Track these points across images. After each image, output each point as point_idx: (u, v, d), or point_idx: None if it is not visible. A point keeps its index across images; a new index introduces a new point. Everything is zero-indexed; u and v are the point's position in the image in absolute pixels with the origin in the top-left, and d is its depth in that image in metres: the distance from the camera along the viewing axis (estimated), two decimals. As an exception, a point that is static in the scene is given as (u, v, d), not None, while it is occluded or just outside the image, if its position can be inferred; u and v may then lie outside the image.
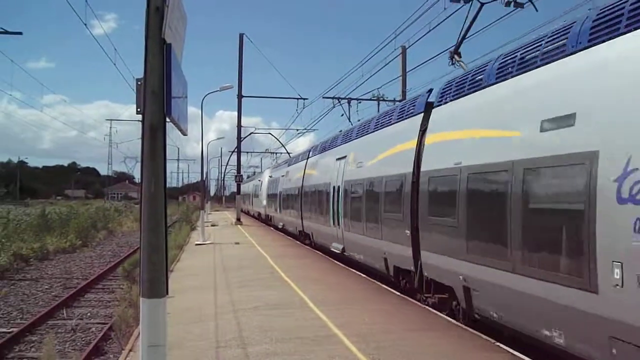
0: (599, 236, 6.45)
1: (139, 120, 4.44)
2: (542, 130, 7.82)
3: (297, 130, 61.11)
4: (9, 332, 12.11)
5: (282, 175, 36.14)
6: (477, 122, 10.17)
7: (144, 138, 4.34)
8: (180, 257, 21.40)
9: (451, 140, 11.14)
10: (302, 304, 11.85)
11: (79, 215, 39.42)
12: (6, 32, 22.24)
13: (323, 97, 44.38)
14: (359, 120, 20.60)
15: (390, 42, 35.57)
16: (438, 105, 12.25)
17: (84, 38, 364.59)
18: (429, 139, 12.08)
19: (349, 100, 43.52)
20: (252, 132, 66.45)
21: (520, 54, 9.19)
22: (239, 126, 48.06)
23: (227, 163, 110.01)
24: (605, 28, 7.17)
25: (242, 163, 53.31)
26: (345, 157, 19.62)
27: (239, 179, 50.90)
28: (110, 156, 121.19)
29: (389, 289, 13.95)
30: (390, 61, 37.79)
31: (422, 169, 11.99)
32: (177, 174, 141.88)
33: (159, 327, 4.42)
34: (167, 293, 4.47)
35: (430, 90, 13.32)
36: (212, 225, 39.85)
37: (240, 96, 45.92)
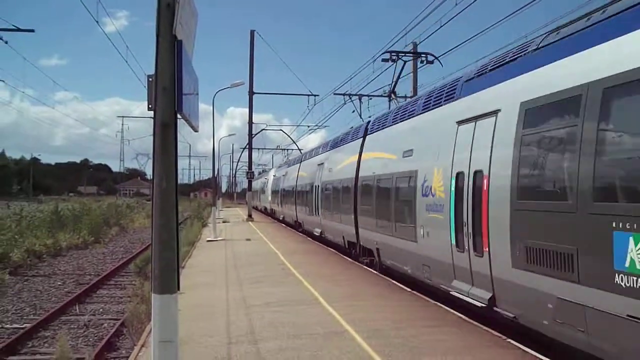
0: (416, 213, 12.33)
1: (150, 117, 4.45)
2: (403, 157, 13.83)
3: (309, 126, 61.17)
4: (22, 328, 12.19)
5: (283, 175, 42.70)
6: (380, 148, 16.92)
7: (156, 134, 4.36)
8: (191, 253, 21.46)
9: (371, 157, 17.52)
10: (314, 300, 11.87)
11: (91, 212, 39.59)
12: (18, 30, 22.40)
13: (334, 94, 44.32)
14: (351, 127, 23.89)
15: (401, 38, 35.61)
16: (369, 134, 18.71)
17: (96, 35, 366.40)
18: (363, 155, 18.55)
19: (360, 96, 43.48)
20: (263, 129, 66.63)
21: (395, 112, 16.36)
22: (250, 123, 48.14)
23: (239, 159, 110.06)
24: (427, 105, 13.11)
25: (253, 160, 53.44)
26: (323, 163, 25.77)
27: (250, 176, 51.01)
28: (122, 153, 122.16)
29: (401, 286, 13.93)
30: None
31: (359, 175, 18.44)
32: (188, 170, 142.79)
33: (170, 322, 4.45)
34: (178, 289, 4.49)
35: (368, 122, 19.77)
36: (223, 222, 39.94)
37: (251, 93, 45.99)
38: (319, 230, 25.83)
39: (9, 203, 52.44)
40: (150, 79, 4.37)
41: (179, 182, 4.61)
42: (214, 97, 30.50)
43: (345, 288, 13.49)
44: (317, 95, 46.50)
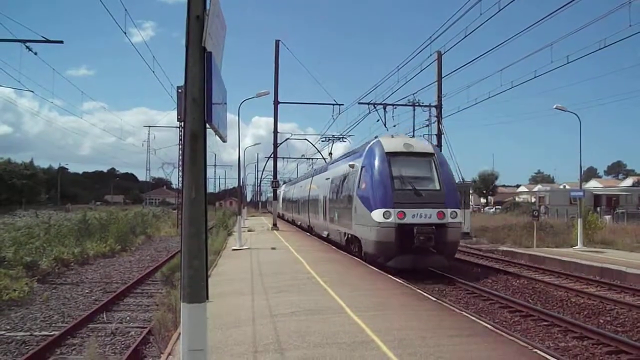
0: (309, 211, 38.44)
1: (176, 127, 4.56)
2: (310, 192, 38.09)
3: (333, 136, 61.29)
4: (51, 335, 12.32)
5: (287, 191, 62.65)
6: (313, 185, 37.14)
7: (185, 145, 4.40)
8: (217, 262, 21.55)
9: (312, 188, 37.84)
10: (339, 309, 11.85)
11: (118, 221, 39.98)
12: (48, 41, 22.70)
13: (359, 103, 44.77)
14: (345, 153, 35.44)
15: (426, 47, 35.76)
16: (313, 176, 40.04)
17: (123, 46, 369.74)
18: (312, 186, 38.07)
19: (385, 105, 43.53)
20: (288, 138, 66.99)
21: (306, 176, 45.61)
22: (275, 132, 48.23)
23: (264, 169, 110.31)
24: (316, 173, 40.02)
25: (278, 169, 53.63)
26: (308, 185, 41.00)
27: (275, 185, 51.21)
28: (148, 162, 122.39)
29: (427, 295, 13.88)
30: (426, 67, 38.00)
31: (310, 195, 38.62)
32: (214, 179, 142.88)
33: (199, 331, 4.47)
34: (207, 298, 4.52)
35: (316, 169, 40.93)
36: (248, 231, 40.07)
37: (276, 102, 46.11)
38: (307, 226, 41.71)
39: (37, 211, 53.12)
40: (180, 91, 4.43)
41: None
42: (239, 106, 30.61)
43: (371, 297, 13.45)
44: (342, 105, 46.61)
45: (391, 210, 20.28)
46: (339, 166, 28.97)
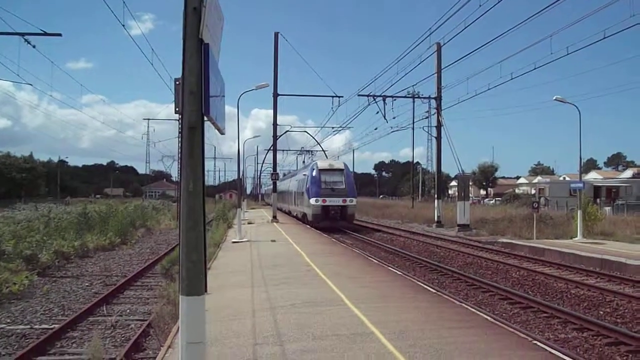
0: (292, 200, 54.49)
1: (176, 119, 4.55)
2: (289, 189, 55.85)
3: (333, 128, 61.58)
4: (51, 329, 12.33)
5: (278, 186, 68.21)
6: (290, 184, 56.16)
7: (183, 137, 4.39)
8: (217, 254, 21.57)
9: (289, 186, 56.60)
10: (339, 301, 11.86)
11: (118, 214, 39.96)
12: (46, 34, 22.68)
13: (358, 95, 45.02)
14: (304, 165, 58.07)
15: (426, 39, 35.78)
16: (290, 178, 60.93)
17: (122, 38, 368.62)
18: (289, 185, 57.11)
19: (384, 97, 43.60)
20: (287, 131, 67.34)
21: (288, 177, 66.53)
22: (275, 124, 48.30)
23: (263, 161, 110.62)
24: (291, 176, 62.20)
25: (278, 161, 53.77)
26: (288, 184, 56.44)
27: (274, 177, 51.31)
28: (147, 155, 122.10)
29: (427, 287, 13.90)
30: (425, 58, 38.04)
31: (288, 190, 57.46)
32: (213, 172, 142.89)
33: (198, 324, 4.47)
34: (205, 291, 4.51)
35: (312, 166, 45.19)
36: (248, 223, 40.08)
37: (275, 95, 46.13)
38: (287, 211, 56.62)
39: (37, 205, 53.05)
40: (178, 83, 4.41)
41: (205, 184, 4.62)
42: (238, 99, 30.51)
43: (370, 289, 13.47)
44: (342, 97, 46.70)
45: (319, 198, 39.17)
46: (299, 174, 48.64)
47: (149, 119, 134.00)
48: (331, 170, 41.16)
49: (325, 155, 64.17)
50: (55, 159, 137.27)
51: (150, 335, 11.81)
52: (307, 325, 9.61)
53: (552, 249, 24.33)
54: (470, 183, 68.11)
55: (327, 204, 38.99)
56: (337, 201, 39.19)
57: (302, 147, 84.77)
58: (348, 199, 39.58)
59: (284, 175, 79.42)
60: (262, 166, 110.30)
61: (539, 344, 8.50)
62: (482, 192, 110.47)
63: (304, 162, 77.95)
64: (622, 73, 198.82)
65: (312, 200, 39.07)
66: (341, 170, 41.57)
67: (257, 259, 19.94)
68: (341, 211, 39.25)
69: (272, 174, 53.03)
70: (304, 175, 42.42)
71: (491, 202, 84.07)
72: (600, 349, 10.63)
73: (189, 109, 4.34)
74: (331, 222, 38.93)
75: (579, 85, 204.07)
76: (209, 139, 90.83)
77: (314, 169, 40.72)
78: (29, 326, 12.81)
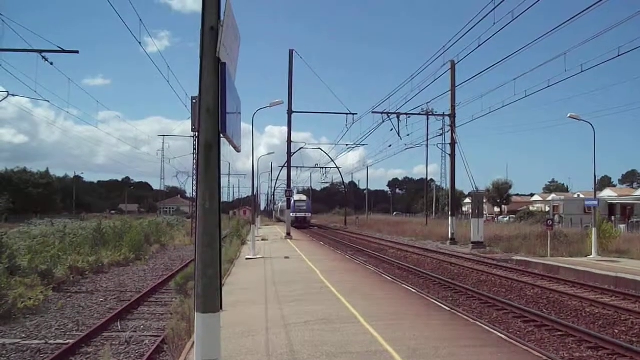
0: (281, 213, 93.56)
1: (190, 136, 4.57)
2: (282, 207, 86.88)
3: (347, 145, 61.79)
4: (66, 344, 12.38)
5: (279, 206, 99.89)
6: (282, 205, 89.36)
7: (199, 155, 4.42)
8: (231, 271, 21.59)
9: (282, 206, 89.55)
10: (353, 318, 11.84)
11: (133, 229, 40.13)
12: (63, 51, 22.94)
13: (372, 112, 45.13)
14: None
15: (440, 56, 35.86)
16: (281, 202, 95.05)
17: (138, 55, 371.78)
18: (281, 205, 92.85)
19: (398, 115, 43.61)
20: (301, 147, 67.96)
21: (282, 201, 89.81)
22: (289, 141, 48.60)
23: (277, 178, 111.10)
24: (282, 202, 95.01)
25: (292, 178, 53.95)
26: (280, 205, 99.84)
27: (289, 194, 51.40)
28: (162, 171, 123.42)
29: (440, 305, 13.84)
30: (440, 76, 38.12)
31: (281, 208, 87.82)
32: (227, 188, 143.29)
33: (213, 341, 4.48)
34: (221, 308, 4.53)
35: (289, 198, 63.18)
36: (262, 240, 40.13)
37: (290, 112, 46.40)
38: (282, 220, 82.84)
39: (52, 220, 53.34)
40: (194, 101, 4.46)
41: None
42: (253, 116, 30.69)
43: (384, 307, 13.44)
44: (356, 114, 46.94)
45: (293, 212, 64.13)
46: (285, 201, 59.88)
47: (164, 136, 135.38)
48: (300, 200, 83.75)
49: (340, 173, 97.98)
50: (71, 175, 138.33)
51: (164, 351, 11.82)
52: (321, 342, 9.59)
53: (567, 267, 24.17)
54: (485, 200, 67.85)
55: (297, 215, 76.83)
56: (302, 214, 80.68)
57: (316, 164, 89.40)
58: (308, 214, 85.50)
59: (281, 200, 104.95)
60: (276, 183, 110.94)
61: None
62: (496, 209, 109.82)
63: (325, 175, 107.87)
64: (637, 89, 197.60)
65: (292, 214, 58.65)
66: (305, 200, 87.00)
67: (271, 275, 19.94)
68: (304, 220, 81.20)
69: (286, 190, 53.28)
70: (287, 201, 58.52)
71: (505, 219, 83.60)
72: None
73: (205, 127, 4.38)
74: (300, 226, 75.67)
75: (593, 102, 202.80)
76: (224, 155, 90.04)
77: (291, 200, 57.85)
78: (43, 341, 12.87)
